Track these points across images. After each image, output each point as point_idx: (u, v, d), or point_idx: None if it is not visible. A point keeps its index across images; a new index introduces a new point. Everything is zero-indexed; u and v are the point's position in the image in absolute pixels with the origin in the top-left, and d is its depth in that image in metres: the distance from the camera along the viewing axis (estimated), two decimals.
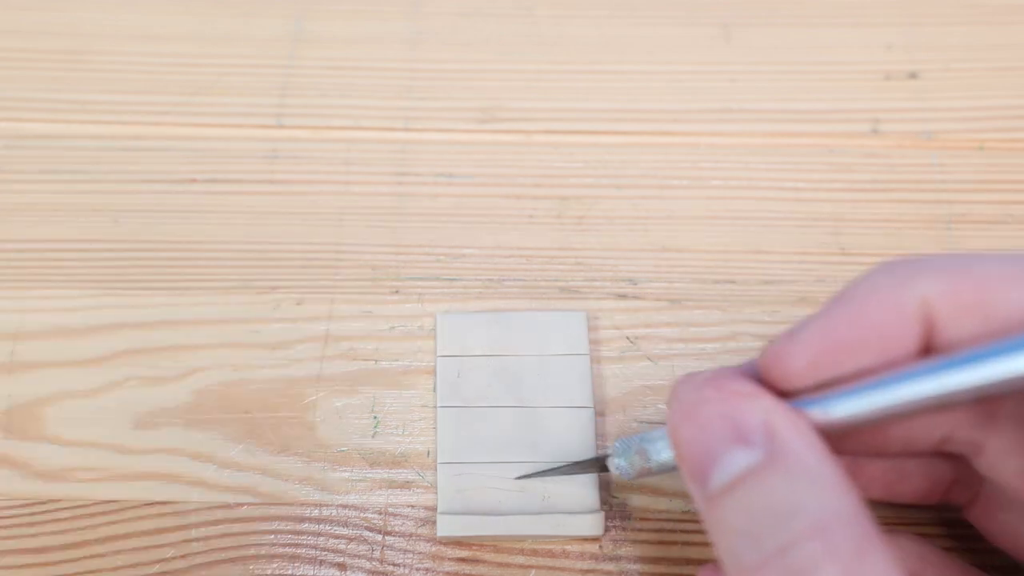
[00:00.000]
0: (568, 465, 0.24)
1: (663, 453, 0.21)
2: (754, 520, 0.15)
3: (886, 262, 0.18)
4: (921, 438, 0.20)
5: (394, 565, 0.24)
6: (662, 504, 0.25)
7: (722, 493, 0.16)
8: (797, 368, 0.18)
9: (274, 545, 0.25)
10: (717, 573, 0.19)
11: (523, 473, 0.25)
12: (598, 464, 0.23)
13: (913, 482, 0.22)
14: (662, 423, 0.21)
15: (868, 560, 0.15)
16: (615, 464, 0.22)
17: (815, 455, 0.16)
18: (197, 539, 0.25)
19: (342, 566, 0.24)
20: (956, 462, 0.21)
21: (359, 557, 0.25)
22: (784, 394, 0.18)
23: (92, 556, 0.24)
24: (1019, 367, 0.16)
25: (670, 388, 0.18)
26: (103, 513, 0.25)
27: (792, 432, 0.16)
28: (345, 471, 0.26)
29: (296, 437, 0.26)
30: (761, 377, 0.18)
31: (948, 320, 0.17)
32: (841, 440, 0.19)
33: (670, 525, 0.25)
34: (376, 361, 0.27)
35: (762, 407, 0.17)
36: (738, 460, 0.16)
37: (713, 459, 0.17)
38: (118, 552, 0.24)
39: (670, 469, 0.21)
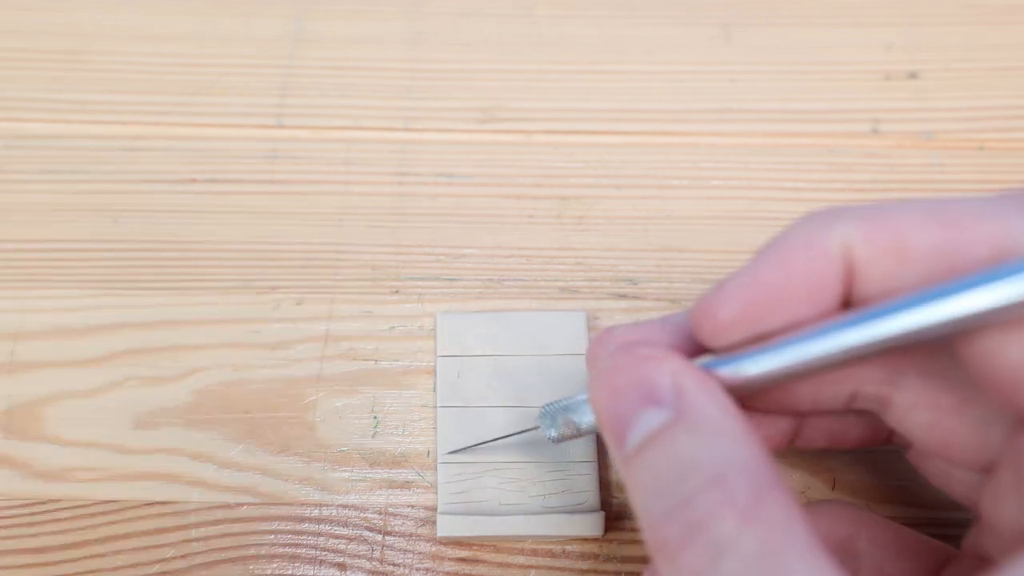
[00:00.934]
0: (502, 437, 0.25)
1: (586, 417, 0.21)
2: (661, 476, 0.16)
3: (808, 213, 0.18)
4: (829, 396, 0.21)
5: (394, 565, 0.24)
6: None
7: (636, 453, 0.17)
8: (725, 320, 0.18)
9: (274, 545, 0.25)
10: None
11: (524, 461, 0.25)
12: (529, 433, 0.24)
13: (857, 430, 0.22)
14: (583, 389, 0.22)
15: (764, 503, 0.15)
16: (545, 434, 0.22)
17: (718, 410, 0.17)
18: (197, 539, 0.25)
19: (342, 566, 0.24)
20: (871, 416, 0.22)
21: (359, 557, 0.25)
22: (714, 350, 0.19)
23: (92, 556, 0.24)
24: (917, 321, 0.16)
25: (587, 351, 0.19)
26: (103, 513, 0.25)
27: (699, 390, 0.17)
28: (345, 471, 0.26)
29: (296, 437, 0.26)
30: (693, 333, 0.19)
31: (868, 263, 0.17)
32: (755, 398, 0.20)
33: None
34: (376, 361, 0.27)
35: (671, 368, 0.17)
36: (649, 420, 0.17)
37: (627, 422, 0.17)
38: (118, 552, 0.24)
39: (597, 431, 0.22)
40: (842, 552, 0.20)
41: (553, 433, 0.22)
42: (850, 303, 0.18)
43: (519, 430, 0.24)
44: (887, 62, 0.33)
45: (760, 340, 0.18)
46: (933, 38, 0.34)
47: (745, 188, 0.30)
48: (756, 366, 0.18)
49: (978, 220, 0.17)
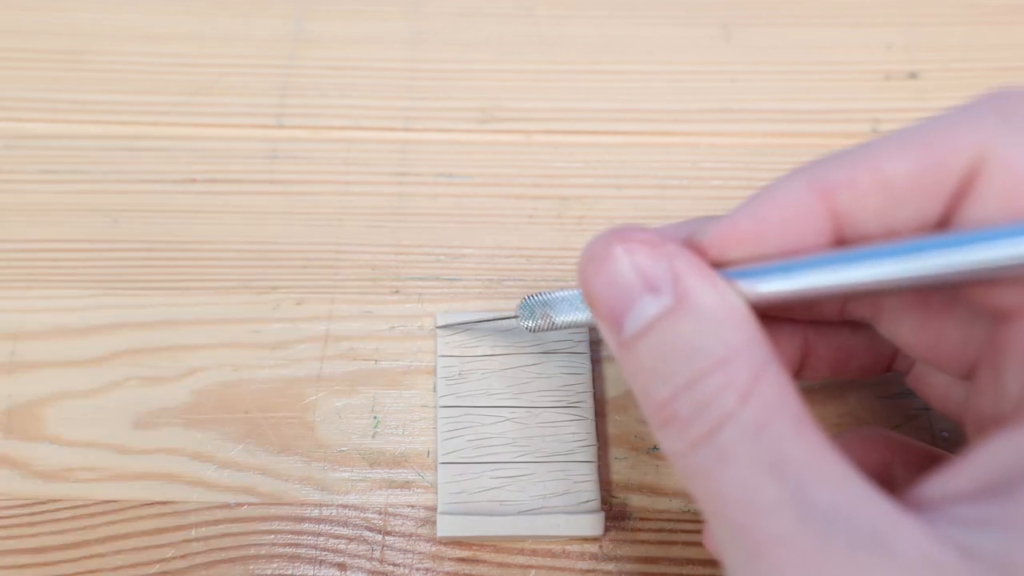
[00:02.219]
0: (487, 320, 0.26)
1: (563, 315, 0.23)
2: (664, 360, 0.17)
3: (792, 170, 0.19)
4: (826, 306, 0.22)
5: (394, 565, 0.24)
6: (662, 504, 0.25)
7: (635, 338, 0.17)
8: (736, 236, 0.19)
9: (274, 545, 0.25)
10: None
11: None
12: (510, 320, 0.26)
13: (858, 358, 0.23)
14: (565, 288, 0.23)
15: (763, 382, 0.16)
16: (524, 324, 0.24)
17: (716, 295, 0.17)
18: (197, 539, 0.25)
19: (342, 566, 0.24)
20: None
21: (359, 557, 0.25)
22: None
23: (92, 556, 0.24)
24: (900, 270, 0.17)
25: (582, 252, 0.19)
26: (103, 513, 0.25)
27: (695, 276, 0.17)
28: (345, 471, 0.26)
29: (296, 437, 0.26)
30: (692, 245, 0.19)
31: (855, 205, 0.18)
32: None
33: (670, 525, 0.25)
34: (376, 361, 0.27)
35: (667, 254, 0.18)
36: (648, 307, 0.17)
37: (625, 308, 0.18)
38: (118, 552, 0.24)
39: (572, 326, 0.23)
40: (878, 477, 0.21)
41: (530, 324, 0.23)
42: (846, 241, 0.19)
43: (501, 316, 0.26)
44: (887, 62, 0.33)
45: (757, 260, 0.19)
46: (933, 38, 0.34)
47: (745, 188, 0.30)
48: (765, 284, 0.18)
49: (950, 134, 0.17)
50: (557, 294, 0.23)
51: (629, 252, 0.18)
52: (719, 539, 0.17)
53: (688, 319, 0.17)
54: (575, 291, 0.23)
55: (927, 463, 0.21)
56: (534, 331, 0.23)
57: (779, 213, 0.18)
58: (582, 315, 0.22)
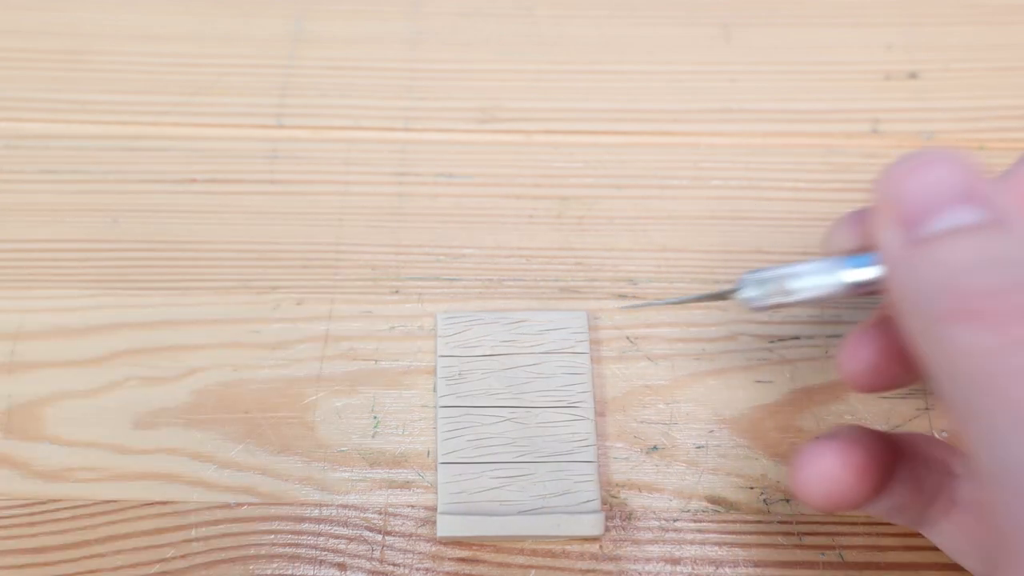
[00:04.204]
0: (689, 300, 0.24)
1: (803, 292, 0.21)
2: (980, 262, 0.17)
3: None
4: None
5: (394, 565, 0.24)
6: (662, 504, 0.25)
7: (943, 235, 0.17)
8: None
9: (274, 545, 0.25)
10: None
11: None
12: (719, 296, 0.23)
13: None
14: (805, 261, 0.21)
15: None
16: (745, 296, 0.22)
17: None
18: (197, 539, 0.25)
19: (342, 566, 0.24)
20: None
21: (359, 557, 0.25)
22: None
23: (92, 556, 0.24)
24: None
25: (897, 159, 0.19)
26: (103, 513, 0.25)
27: (1014, 208, 0.18)
28: (345, 471, 0.26)
29: (296, 437, 0.26)
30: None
31: None
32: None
33: (670, 525, 0.25)
34: (376, 361, 0.27)
35: (990, 180, 0.18)
36: (964, 214, 0.17)
37: (935, 208, 0.18)
38: (118, 552, 0.24)
39: (804, 303, 0.21)
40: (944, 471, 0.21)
41: (754, 293, 0.21)
42: None
43: (709, 294, 0.24)
44: (887, 62, 0.33)
45: None
46: (933, 38, 0.34)
47: (745, 188, 0.30)
48: None
49: None
50: (792, 268, 0.21)
51: (955, 163, 0.18)
52: (1010, 452, 0.16)
53: (1010, 236, 0.17)
54: (812, 262, 0.21)
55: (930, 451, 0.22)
56: (758, 306, 0.21)
57: None
58: (825, 282, 0.21)
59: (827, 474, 0.20)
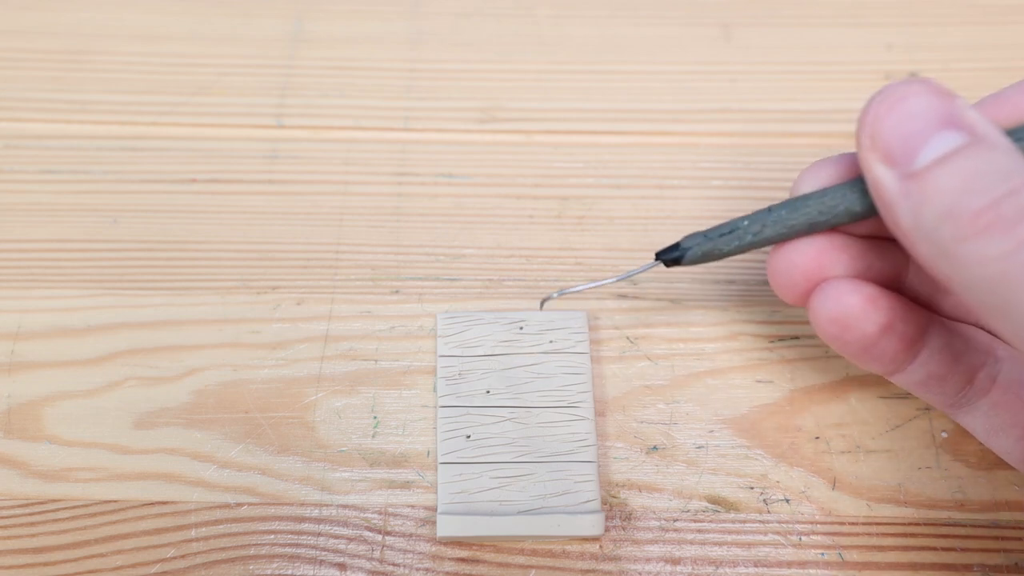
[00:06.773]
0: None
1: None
2: (975, 178, 0.18)
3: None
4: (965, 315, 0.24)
5: (394, 565, 0.24)
6: (662, 504, 0.25)
7: (934, 165, 0.18)
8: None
9: (274, 545, 0.25)
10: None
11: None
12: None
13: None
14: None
15: None
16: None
17: (1008, 141, 0.19)
18: (197, 539, 0.25)
19: (342, 566, 0.24)
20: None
21: (359, 557, 0.25)
22: None
23: (92, 556, 0.24)
24: None
25: (871, 97, 0.20)
26: (103, 513, 0.25)
27: (986, 122, 0.19)
28: (345, 471, 0.26)
29: (296, 437, 0.26)
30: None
31: None
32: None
33: (670, 525, 0.25)
34: (376, 361, 0.27)
35: (960, 103, 0.19)
36: (949, 139, 0.19)
37: (920, 140, 0.19)
38: (118, 552, 0.24)
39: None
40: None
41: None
42: None
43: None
44: (887, 62, 0.33)
45: None
46: (933, 38, 0.34)
47: (745, 188, 0.30)
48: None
49: None
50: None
51: (928, 92, 0.19)
52: None
53: (994, 150, 0.18)
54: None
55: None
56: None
57: None
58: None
59: (840, 300, 0.21)
